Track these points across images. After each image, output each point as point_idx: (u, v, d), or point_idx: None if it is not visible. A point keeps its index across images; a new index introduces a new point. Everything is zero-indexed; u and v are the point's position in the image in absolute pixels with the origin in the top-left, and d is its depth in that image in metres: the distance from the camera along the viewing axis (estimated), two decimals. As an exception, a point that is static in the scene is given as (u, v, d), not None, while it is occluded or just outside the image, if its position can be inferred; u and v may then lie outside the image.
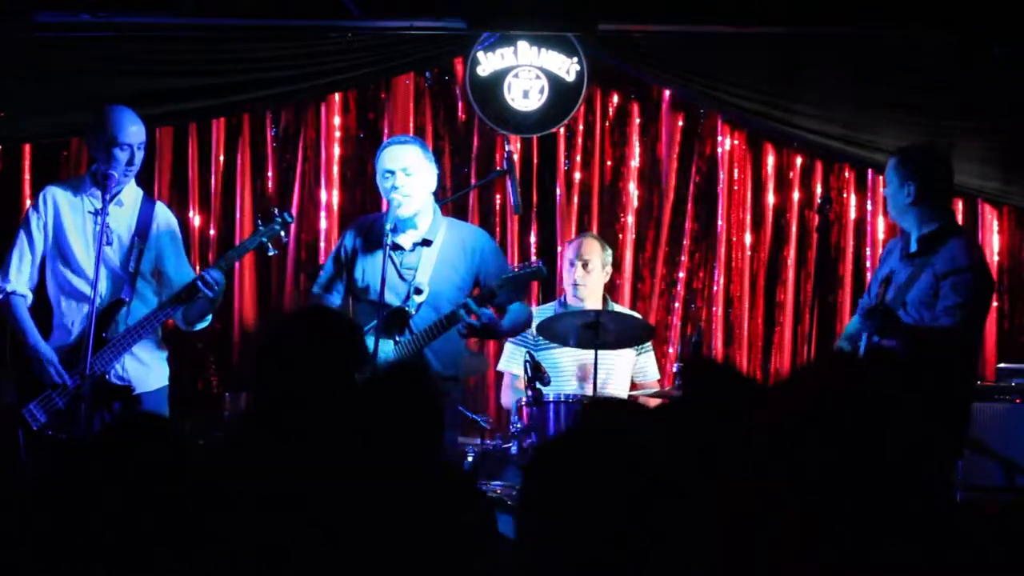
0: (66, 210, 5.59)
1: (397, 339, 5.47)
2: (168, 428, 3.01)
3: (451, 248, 5.59)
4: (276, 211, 5.63)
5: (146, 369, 5.63)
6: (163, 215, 5.75)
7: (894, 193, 5.39)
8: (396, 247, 5.52)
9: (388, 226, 5.40)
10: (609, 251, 6.70)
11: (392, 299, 5.47)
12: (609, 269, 6.69)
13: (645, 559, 1.99)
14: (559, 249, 7.18)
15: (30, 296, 5.61)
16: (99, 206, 5.50)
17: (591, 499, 2.04)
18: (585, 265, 6.50)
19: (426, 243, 5.57)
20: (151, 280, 5.65)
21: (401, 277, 5.52)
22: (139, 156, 5.56)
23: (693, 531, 2.02)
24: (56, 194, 5.63)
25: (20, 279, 5.58)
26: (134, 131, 5.53)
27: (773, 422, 2.09)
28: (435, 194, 5.71)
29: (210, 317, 5.73)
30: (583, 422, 3.06)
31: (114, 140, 5.47)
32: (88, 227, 5.55)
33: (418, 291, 5.50)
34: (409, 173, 5.52)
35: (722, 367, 3.12)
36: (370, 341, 5.27)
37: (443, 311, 5.48)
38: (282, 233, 5.61)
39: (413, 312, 5.49)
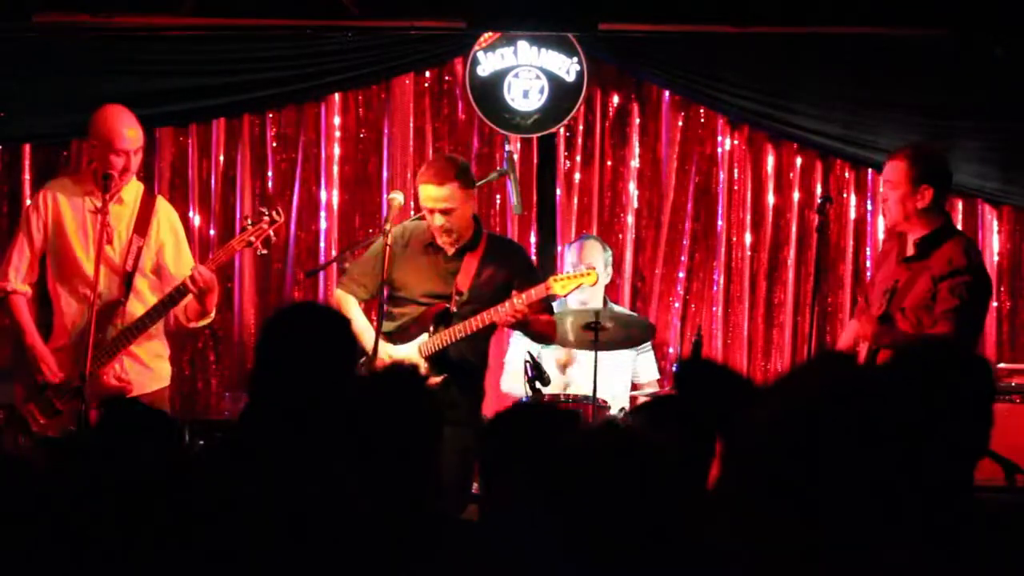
0: (66, 209, 5.58)
1: (432, 332, 5.57)
2: (160, 425, 3.01)
3: (490, 258, 5.68)
4: (265, 210, 5.60)
5: (146, 371, 5.62)
6: (164, 210, 5.72)
7: (904, 196, 5.19)
8: (438, 250, 5.64)
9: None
10: (610, 251, 6.69)
11: (430, 300, 5.62)
12: (610, 270, 6.68)
13: (638, 556, 2.00)
14: (559, 249, 7.17)
15: (30, 292, 5.61)
16: (99, 205, 5.49)
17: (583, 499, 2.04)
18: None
19: (468, 251, 5.65)
20: (151, 277, 5.64)
21: (442, 280, 5.62)
22: (135, 160, 5.52)
23: (685, 529, 2.02)
24: (56, 193, 5.62)
25: (19, 277, 5.58)
26: (130, 137, 5.47)
27: (770, 421, 2.09)
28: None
29: (212, 315, 5.72)
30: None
31: (109, 146, 5.46)
32: (89, 226, 5.54)
33: (459, 293, 5.59)
34: (448, 212, 5.57)
35: (717, 367, 3.12)
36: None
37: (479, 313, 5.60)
38: (271, 232, 5.56)
39: (456, 311, 5.59)
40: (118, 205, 5.56)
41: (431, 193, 5.55)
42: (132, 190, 5.63)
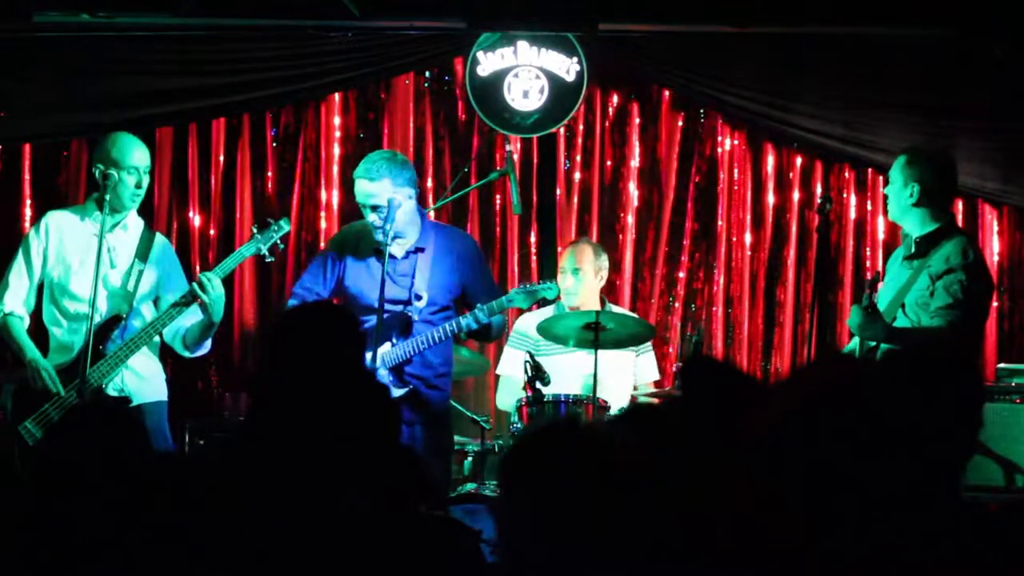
0: (69, 236, 5.60)
1: (394, 341, 5.47)
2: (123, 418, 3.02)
3: (442, 254, 5.60)
4: (272, 220, 5.62)
5: (145, 383, 5.63)
6: (163, 245, 5.78)
7: (897, 192, 5.35)
8: (387, 255, 5.50)
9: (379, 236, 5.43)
10: (604, 256, 6.65)
11: (388, 306, 5.45)
12: (604, 274, 6.63)
13: (613, 550, 2.00)
14: (559, 249, 7.18)
15: (27, 319, 5.62)
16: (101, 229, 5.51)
17: (559, 493, 2.05)
18: (576, 272, 6.48)
19: (419, 251, 5.57)
20: (149, 304, 5.67)
21: (396, 284, 5.53)
22: (146, 181, 5.58)
23: (667, 527, 2.03)
24: (59, 221, 5.64)
25: (17, 301, 5.59)
26: (140, 156, 5.57)
27: (773, 421, 2.09)
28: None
29: (209, 343, 5.71)
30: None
31: (120, 164, 5.50)
32: (92, 250, 5.52)
33: (418, 297, 5.51)
34: (380, 208, 5.46)
35: (722, 365, 3.12)
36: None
37: (438, 315, 5.53)
38: (279, 241, 5.59)
39: (416, 317, 5.51)
40: (123, 231, 5.60)
41: (363, 188, 5.46)
42: (134, 220, 5.68)
